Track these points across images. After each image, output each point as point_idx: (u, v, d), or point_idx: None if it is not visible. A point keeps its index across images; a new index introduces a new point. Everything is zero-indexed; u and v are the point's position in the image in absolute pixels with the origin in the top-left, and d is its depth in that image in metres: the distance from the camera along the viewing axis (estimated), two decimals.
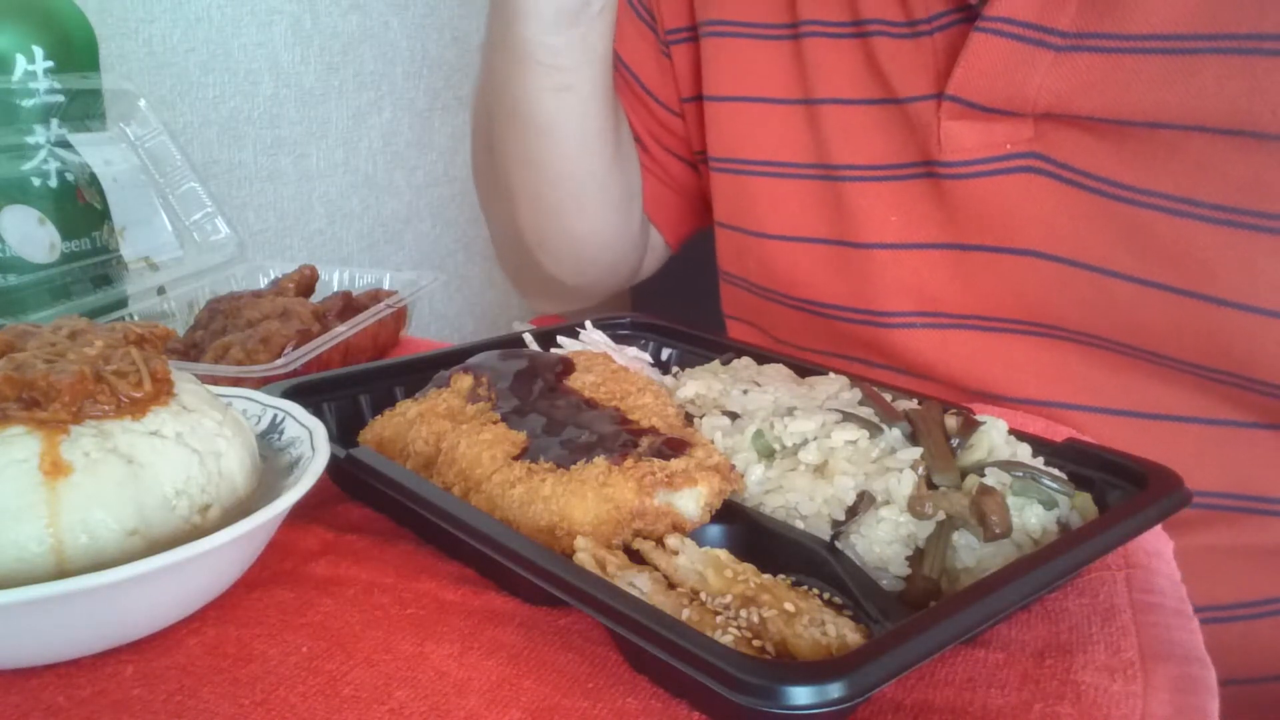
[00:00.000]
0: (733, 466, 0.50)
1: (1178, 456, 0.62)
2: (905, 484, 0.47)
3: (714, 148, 0.81)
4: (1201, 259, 0.60)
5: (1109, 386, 0.67)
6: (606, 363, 0.60)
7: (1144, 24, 0.60)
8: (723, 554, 0.44)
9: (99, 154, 0.82)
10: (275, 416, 0.53)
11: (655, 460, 0.47)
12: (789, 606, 0.40)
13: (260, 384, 0.60)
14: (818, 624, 0.40)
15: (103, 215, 0.83)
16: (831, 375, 0.60)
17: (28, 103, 0.78)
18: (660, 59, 0.86)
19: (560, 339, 0.69)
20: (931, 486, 0.47)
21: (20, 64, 0.77)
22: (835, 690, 0.33)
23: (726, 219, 0.82)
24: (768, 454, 0.51)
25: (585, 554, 0.43)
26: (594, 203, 0.86)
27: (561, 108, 0.79)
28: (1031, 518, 0.46)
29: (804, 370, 0.62)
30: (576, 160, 0.83)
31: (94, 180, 0.81)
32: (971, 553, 0.45)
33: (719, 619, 0.40)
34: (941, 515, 0.46)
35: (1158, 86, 0.60)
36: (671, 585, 0.43)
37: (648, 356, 0.71)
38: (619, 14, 0.89)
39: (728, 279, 0.86)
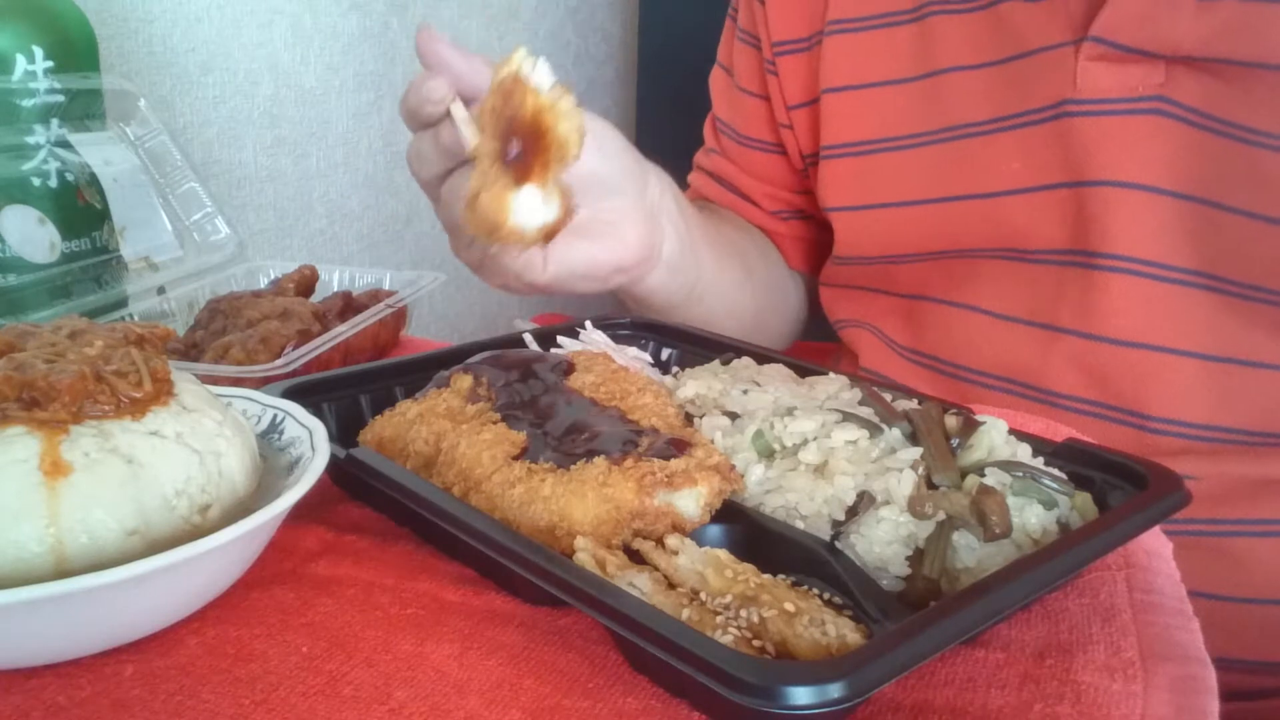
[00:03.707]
0: (733, 466, 0.50)
1: (1246, 398, 0.71)
2: (905, 484, 0.47)
3: (829, 137, 0.86)
4: None
5: (1195, 326, 0.72)
6: (606, 363, 0.60)
7: None
8: (723, 554, 0.44)
9: (99, 154, 0.82)
10: (275, 416, 0.53)
11: (655, 460, 0.47)
12: (789, 606, 0.40)
13: (260, 384, 0.60)
14: (818, 624, 0.40)
15: (103, 215, 0.83)
16: (831, 375, 0.60)
17: (28, 103, 0.78)
18: (766, 76, 0.92)
19: (560, 339, 0.69)
20: (931, 486, 0.47)
21: (20, 64, 0.77)
22: (835, 690, 0.33)
23: (837, 202, 0.86)
24: (768, 454, 0.51)
25: (585, 554, 0.43)
26: (753, 321, 0.94)
27: (703, 305, 0.86)
28: (1031, 518, 0.46)
29: (804, 370, 0.62)
30: (729, 312, 0.90)
31: (94, 180, 0.81)
32: (971, 553, 0.45)
33: (719, 619, 0.40)
34: (941, 515, 0.46)
35: None
36: (671, 585, 0.43)
37: (648, 356, 0.71)
38: (730, 48, 0.96)
39: (839, 261, 0.90)
